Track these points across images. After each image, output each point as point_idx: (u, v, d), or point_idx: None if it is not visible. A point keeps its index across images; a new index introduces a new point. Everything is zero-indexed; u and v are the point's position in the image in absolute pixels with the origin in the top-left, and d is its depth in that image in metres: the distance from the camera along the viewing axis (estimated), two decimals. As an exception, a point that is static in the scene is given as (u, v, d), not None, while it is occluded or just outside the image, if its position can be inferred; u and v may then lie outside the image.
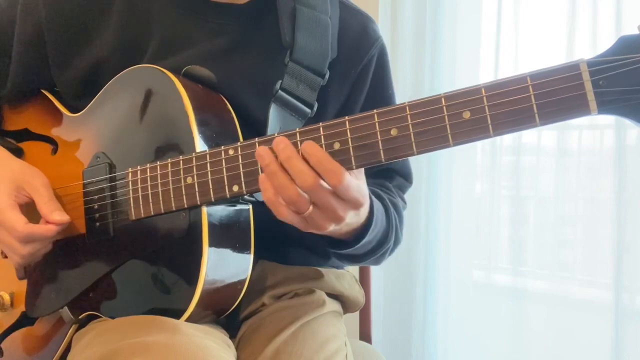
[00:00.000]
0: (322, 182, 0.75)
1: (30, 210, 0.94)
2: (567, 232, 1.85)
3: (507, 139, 1.86)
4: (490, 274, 1.95)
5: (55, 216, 0.93)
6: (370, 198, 0.86)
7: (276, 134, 0.81)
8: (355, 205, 0.78)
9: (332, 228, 0.80)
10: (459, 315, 1.94)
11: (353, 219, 0.82)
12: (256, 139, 0.82)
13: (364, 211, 0.84)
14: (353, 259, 0.99)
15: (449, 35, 1.93)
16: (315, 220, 0.78)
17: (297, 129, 0.79)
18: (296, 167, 0.75)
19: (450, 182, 1.93)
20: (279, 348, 0.93)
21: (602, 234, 1.68)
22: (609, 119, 1.65)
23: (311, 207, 0.77)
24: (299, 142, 0.78)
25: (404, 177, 1.11)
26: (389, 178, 1.09)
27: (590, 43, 1.68)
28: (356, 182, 0.78)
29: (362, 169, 0.80)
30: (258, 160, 0.78)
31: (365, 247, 0.93)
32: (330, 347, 0.96)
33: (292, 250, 1.06)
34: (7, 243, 0.94)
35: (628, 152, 1.61)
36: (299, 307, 1.01)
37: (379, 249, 0.97)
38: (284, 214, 0.78)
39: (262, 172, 0.78)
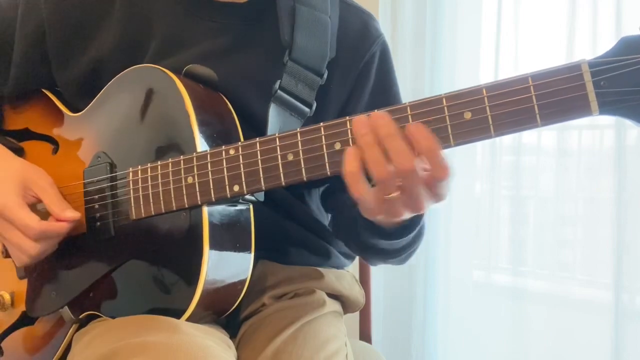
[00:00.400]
0: (419, 168, 0.71)
1: (35, 210, 0.94)
2: (567, 232, 1.85)
3: (507, 139, 1.86)
4: (490, 274, 1.94)
5: (68, 214, 0.93)
6: None
7: (277, 134, 0.81)
8: (440, 199, 0.75)
9: (406, 216, 0.77)
10: (459, 315, 1.94)
11: None
12: (257, 139, 0.82)
13: None
14: (391, 254, 0.97)
15: (449, 35, 1.92)
16: (394, 206, 0.74)
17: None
18: (397, 147, 0.71)
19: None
20: (279, 348, 0.93)
21: (602, 234, 1.68)
22: (609, 119, 1.64)
23: (398, 192, 0.73)
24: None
25: None
26: None
27: (591, 43, 1.68)
28: None
29: None
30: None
31: (408, 238, 0.91)
32: (331, 347, 0.96)
33: (293, 250, 1.06)
34: (16, 242, 0.92)
35: (628, 152, 1.61)
36: (299, 307, 1.00)
37: (416, 242, 0.96)
38: (362, 191, 0.73)
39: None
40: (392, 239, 0.90)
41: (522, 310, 1.83)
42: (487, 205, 1.91)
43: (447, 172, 0.71)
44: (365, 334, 1.40)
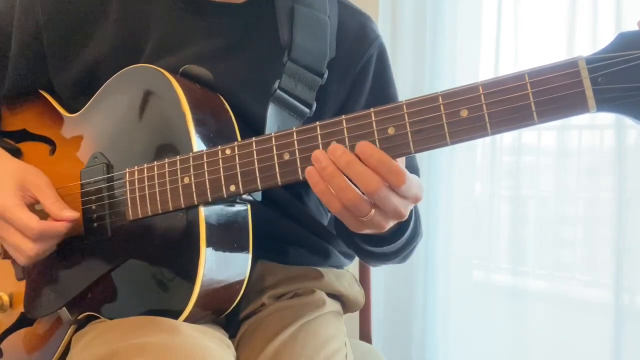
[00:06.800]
0: (385, 184, 0.74)
1: (33, 211, 0.94)
2: (567, 232, 1.85)
3: (506, 139, 1.86)
4: (490, 274, 1.94)
5: (66, 213, 0.92)
6: None
7: (273, 134, 0.80)
8: (416, 200, 0.78)
9: (390, 225, 0.80)
10: (459, 315, 1.94)
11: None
12: (253, 138, 0.82)
13: None
14: (388, 257, 0.99)
15: (449, 35, 1.93)
16: (375, 221, 0.77)
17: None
18: (358, 172, 0.73)
19: (450, 182, 1.93)
20: (278, 348, 0.92)
21: (602, 234, 1.68)
22: (608, 119, 1.65)
23: (373, 210, 0.76)
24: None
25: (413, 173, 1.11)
26: None
27: (591, 42, 1.68)
28: (413, 175, 0.77)
29: (403, 159, 0.79)
30: (314, 163, 0.75)
31: (402, 241, 0.92)
32: (331, 347, 0.96)
33: (292, 250, 1.06)
34: (14, 242, 0.92)
35: (628, 152, 1.61)
36: (299, 307, 1.00)
37: (413, 242, 0.97)
38: (338, 208, 0.76)
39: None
40: (387, 244, 0.91)
41: (522, 310, 1.83)
42: (487, 205, 1.91)
43: (403, 177, 0.74)
44: (365, 334, 1.40)
